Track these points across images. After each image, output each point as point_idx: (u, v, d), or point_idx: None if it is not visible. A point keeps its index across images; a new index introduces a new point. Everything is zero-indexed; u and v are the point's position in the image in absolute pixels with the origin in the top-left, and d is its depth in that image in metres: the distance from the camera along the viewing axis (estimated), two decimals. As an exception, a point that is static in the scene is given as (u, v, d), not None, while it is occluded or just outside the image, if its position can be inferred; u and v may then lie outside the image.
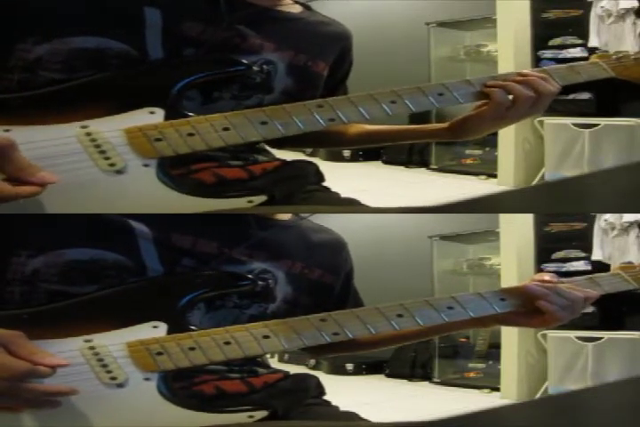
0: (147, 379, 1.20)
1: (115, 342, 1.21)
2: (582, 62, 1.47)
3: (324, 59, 1.40)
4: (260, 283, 1.31)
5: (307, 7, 1.43)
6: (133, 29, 1.26)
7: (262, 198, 1.28)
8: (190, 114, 1.25)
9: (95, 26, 1.25)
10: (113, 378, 1.18)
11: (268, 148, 1.40)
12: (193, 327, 1.24)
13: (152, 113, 1.24)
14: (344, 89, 1.47)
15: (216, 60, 1.29)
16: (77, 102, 1.23)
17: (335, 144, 1.55)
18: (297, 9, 1.41)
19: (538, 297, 1.38)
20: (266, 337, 1.24)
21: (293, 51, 1.35)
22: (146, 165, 1.21)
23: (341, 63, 1.44)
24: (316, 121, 1.27)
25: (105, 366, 1.19)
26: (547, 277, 1.42)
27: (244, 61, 1.30)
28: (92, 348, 1.19)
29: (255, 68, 1.31)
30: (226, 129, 1.24)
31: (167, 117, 1.23)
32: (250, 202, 1.27)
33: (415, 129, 1.49)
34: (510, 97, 1.36)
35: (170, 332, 1.23)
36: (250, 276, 1.30)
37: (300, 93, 1.35)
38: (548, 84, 1.37)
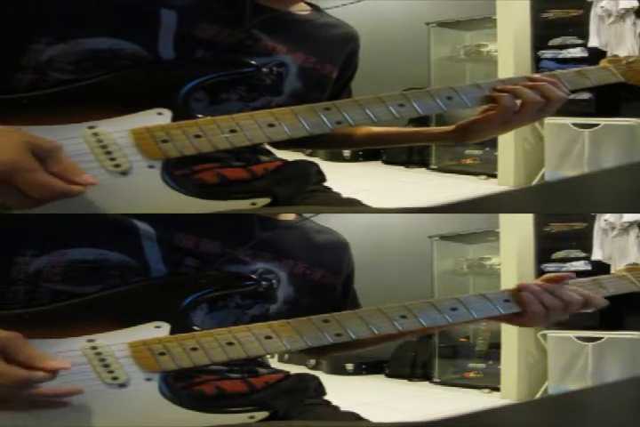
0: (148, 379, 1.20)
1: (117, 342, 1.20)
2: (592, 67, 1.46)
3: (333, 61, 1.40)
4: (263, 283, 1.31)
5: (316, 8, 1.43)
6: (148, 31, 1.25)
7: (266, 201, 1.28)
8: (198, 115, 1.25)
9: (110, 27, 1.24)
10: (115, 378, 1.18)
11: (269, 147, 1.40)
12: (195, 328, 1.24)
13: (160, 114, 1.23)
14: (348, 90, 1.47)
15: (225, 62, 1.29)
16: (86, 103, 1.23)
17: (340, 145, 1.55)
18: (307, 11, 1.41)
19: (524, 290, 1.36)
20: (268, 338, 1.24)
21: (304, 53, 1.35)
22: (151, 167, 1.21)
23: (349, 65, 1.44)
24: (322, 123, 1.27)
25: (107, 366, 1.19)
26: (556, 276, 1.41)
27: (253, 63, 1.30)
28: (94, 348, 1.19)
29: (264, 69, 1.30)
30: (233, 131, 1.24)
31: (175, 118, 1.23)
32: (253, 204, 1.27)
33: (421, 131, 1.49)
34: (518, 101, 1.35)
35: (172, 332, 1.23)
36: (253, 276, 1.30)
37: (307, 96, 1.34)
38: (558, 90, 1.37)
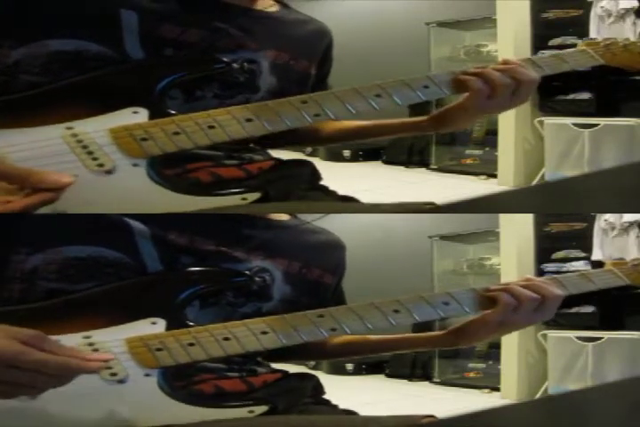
0: (147, 375, 1.20)
1: (113, 338, 1.21)
2: (570, 50, 1.46)
3: (309, 57, 1.40)
4: (256, 279, 1.31)
5: (284, 5, 1.43)
6: (111, 32, 1.26)
7: (256, 196, 1.28)
8: (174, 113, 1.25)
9: (72, 28, 1.24)
10: (113, 374, 1.19)
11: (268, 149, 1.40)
12: (191, 324, 1.25)
13: (135, 113, 1.24)
14: (325, 87, 1.47)
15: (196, 59, 1.29)
16: (60, 104, 1.23)
17: (311, 142, 1.55)
18: (275, 8, 1.41)
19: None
20: (264, 333, 1.25)
21: (275, 50, 1.35)
22: (135, 165, 1.22)
23: (325, 61, 1.45)
24: (301, 117, 1.27)
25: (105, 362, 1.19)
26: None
27: (224, 59, 1.30)
28: (91, 344, 1.20)
29: (235, 65, 1.30)
30: (211, 127, 1.24)
31: (151, 117, 1.23)
32: (244, 199, 1.27)
33: (393, 123, 1.46)
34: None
35: (168, 328, 1.23)
36: (246, 272, 1.31)
37: (285, 92, 1.33)
38: (528, 72, 1.35)
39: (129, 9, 1.26)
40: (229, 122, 1.24)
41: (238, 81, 1.31)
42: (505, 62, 1.37)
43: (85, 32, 1.24)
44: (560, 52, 1.45)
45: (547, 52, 4.86)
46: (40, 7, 1.25)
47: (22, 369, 1.09)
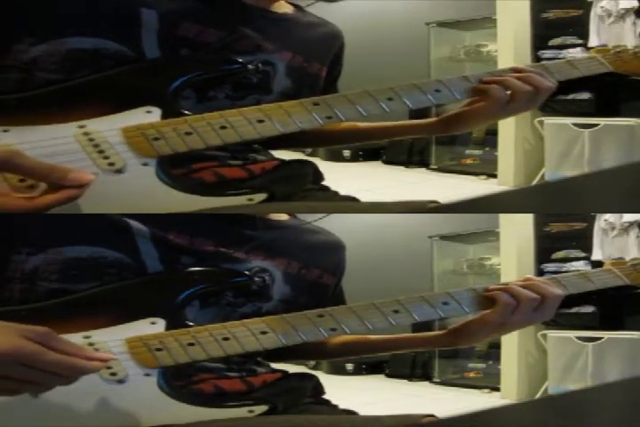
0: (147, 375, 1.20)
1: (113, 338, 1.21)
2: (580, 57, 1.46)
3: (321, 60, 1.40)
4: (256, 280, 1.31)
5: (298, 8, 1.43)
6: (130, 30, 1.26)
7: (262, 196, 1.28)
8: (187, 112, 1.25)
9: (91, 27, 1.25)
10: (113, 374, 1.19)
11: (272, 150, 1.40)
12: (191, 324, 1.25)
13: (149, 112, 1.24)
14: (334, 90, 1.47)
15: (211, 59, 1.29)
16: (74, 102, 1.23)
17: (322, 142, 1.55)
18: (290, 10, 1.41)
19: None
20: (264, 333, 1.25)
21: (291, 52, 1.35)
22: (145, 164, 1.22)
23: (336, 64, 1.45)
24: (313, 119, 1.27)
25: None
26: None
27: (240, 60, 1.30)
28: (91, 344, 1.20)
29: (251, 66, 1.31)
30: (223, 127, 1.24)
31: (164, 116, 1.23)
32: (250, 200, 1.27)
33: (404, 124, 1.47)
34: (508, 92, 1.35)
35: (168, 328, 1.23)
36: (246, 273, 1.31)
37: (299, 95, 1.34)
38: (545, 80, 1.36)
39: (149, 8, 1.26)
40: (241, 123, 1.24)
41: (251, 82, 1.32)
42: (520, 70, 1.36)
43: (104, 30, 1.25)
44: (571, 58, 1.45)
45: (547, 52, 4.84)
46: (62, 5, 1.25)
47: (35, 369, 1.09)
